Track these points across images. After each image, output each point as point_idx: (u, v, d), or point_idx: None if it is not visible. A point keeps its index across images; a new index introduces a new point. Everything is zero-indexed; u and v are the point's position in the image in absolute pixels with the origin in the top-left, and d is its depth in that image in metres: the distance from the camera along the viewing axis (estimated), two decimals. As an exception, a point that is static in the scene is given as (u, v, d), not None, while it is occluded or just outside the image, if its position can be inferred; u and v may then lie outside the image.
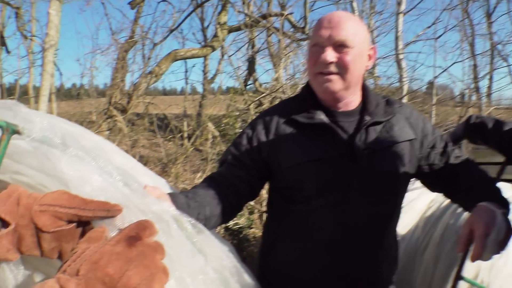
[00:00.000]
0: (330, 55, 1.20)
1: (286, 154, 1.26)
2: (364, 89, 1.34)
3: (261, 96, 5.49)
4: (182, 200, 1.08)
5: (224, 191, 1.21)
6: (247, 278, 1.00)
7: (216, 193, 1.19)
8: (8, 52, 5.34)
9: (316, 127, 1.26)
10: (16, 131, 0.81)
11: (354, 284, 1.28)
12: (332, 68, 1.21)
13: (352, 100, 1.30)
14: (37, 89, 5.36)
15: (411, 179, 1.37)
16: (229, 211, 1.22)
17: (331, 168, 1.24)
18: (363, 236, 1.25)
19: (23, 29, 6.62)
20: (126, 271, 0.52)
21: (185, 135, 7.58)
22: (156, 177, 1.13)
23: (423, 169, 1.34)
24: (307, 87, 1.34)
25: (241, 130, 1.39)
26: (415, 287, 2.05)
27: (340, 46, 1.20)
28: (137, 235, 0.57)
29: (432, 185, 1.40)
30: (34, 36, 6.68)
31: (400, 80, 7.90)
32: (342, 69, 1.21)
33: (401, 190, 1.34)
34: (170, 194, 1.05)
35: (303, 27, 6.58)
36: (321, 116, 1.26)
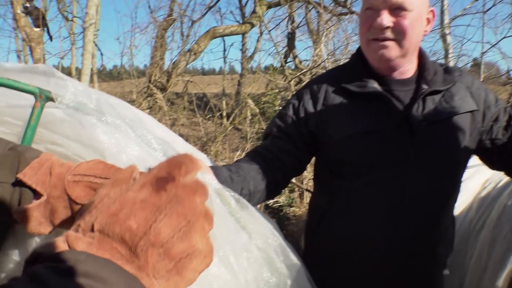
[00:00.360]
0: (386, 19, 1.10)
1: (336, 125, 1.18)
2: (421, 55, 1.23)
3: (301, 72, 5.37)
4: (225, 173, 1.02)
5: (269, 165, 1.16)
6: (294, 259, 0.94)
7: (260, 167, 1.13)
8: (50, 37, 5.41)
9: (369, 97, 1.17)
10: (50, 98, 0.77)
11: (407, 266, 1.20)
12: (388, 34, 1.12)
13: (408, 69, 1.20)
14: (79, 71, 5.44)
15: (471, 155, 1.26)
16: (274, 186, 1.17)
17: (386, 141, 1.15)
18: (419, 216, 1.16)
19: (64, 11, 6.71)
20: (153, 223, 0.40)
21: (224, 113, 7.57)
22: (197, 152, 1.07)
23: (485, 144, 1.24)
24: (358, 55, 1.25)
25: (286, 102, 1.31)
26: (468, 270, 1.94)
27: (397, 9, 1.10)
28: (169, 176, 0.43)
29: (492, 162, 1.29)
30: (75, 17, 6.76)
31: (446, 56, 7.52)
32: (399, 34, 1.11)
33: (461, 166, 1.24)
34: (212, 167, 1.00)
35: (345, 1, 6.35)
36: (374, 85, 1.17)
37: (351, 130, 1.16)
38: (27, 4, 4.59)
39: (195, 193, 0.44)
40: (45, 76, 0.79)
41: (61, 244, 0.38)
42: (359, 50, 1.25)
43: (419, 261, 1.21)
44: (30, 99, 0.76)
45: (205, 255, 0.43)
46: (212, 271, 0.71)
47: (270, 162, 1.17)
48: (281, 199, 4.19)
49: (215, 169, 1.00)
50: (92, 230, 0.40)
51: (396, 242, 1.17)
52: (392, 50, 1.13)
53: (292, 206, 4.28)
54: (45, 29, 4.94)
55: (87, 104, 0.76)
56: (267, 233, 0.92)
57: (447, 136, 1.17)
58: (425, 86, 1.18)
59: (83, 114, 0.75)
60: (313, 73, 5.16)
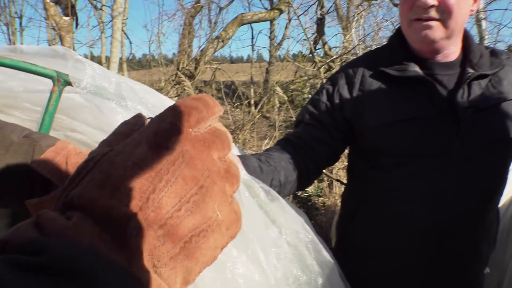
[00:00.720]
0: None
1: (374, 112, 1.11)
2: (466, 37, 1.15)
3: (331, 59, 5.25)
4: (255, 163, 0.97)
5: (300, 154, 1.10)
6: (326, 255, 0.88)
7: (291, 157, 1.07)
8: (76, 25, 5.45)
9: (409, 81, 1.09)
10: (68, 82, 0.72)
11: (447, 263, 1.12)
12: (433, 13, 1.03)
13: (453, 51, 1.12)
14: (109, 59, 5.48)
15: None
16: (306, 176, 1.11)
17: (427, 129, 1.07)
18: (463, 210, 1.08)
19: (93, 0, 6.77)
20: (150, 194, 0.29)
21: (252, 101, 7.52)
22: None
23: None
24: (397, 36, 1.17)
25: (319, 88, 1.24)
26: (507, 268, 1.84)
27: None
28: (173, 127, 0.31)
29: None
30: (104, 6, 6.82)
31: (481, 42, 7.24)
32: (445, 14, 1.03)
33: (509, 156, 1.15)
34: (241, 157, 0.94)
35: (377, -15, 6.17)
36: (415, 68, 1.09)
37: (389, 117, 1.09)
38: (56, -6, 4.63)
39: (211, 146, 0.33)
40: (63, 58, 0.75)
41: (30, 229, 0.28)
42: (398, 31, 1.17)
43: (460, 258, 1.13)
44: (49, 83, 0.72)
45: (228, 226, 0.33)
46: (241, 271, 0.66)
47: (302, 151, 1.11)
48: (310, 189, 4.13)
49: (243, 159, 0.95)
50: (72, 207, 0.29)
51: (436, 237, 1.10)
52: (436, 30, 1.04)
53: (320, 196, 4.21)
54: (74, 18, 4.98)
55: (106, 88, 0.71)
56: (298, 228, 0.87)
57: (495, 124, 1.08)
58: (470, 70, 1.10)
59: (102, 99, 0.70)
60: (343, 60, 5.06)
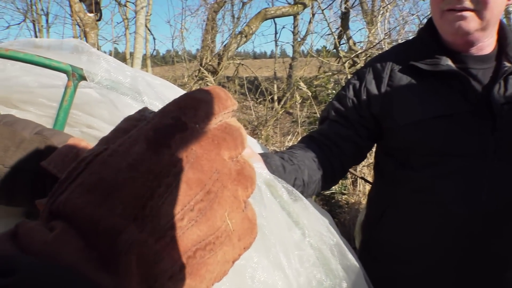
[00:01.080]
0: None
1: (403, 108, 1.06)
2: (501, 28, 1.09)
3: (356, 53, 5.17)
4: (277, 162, 0.93)
5: (325, 152, 1.06)
6: (351, 259, 0.84)
7: (316, 155, 1.03)
8: (100, 17, 5.49)
9: (442, 76, 1.04)
10: (83, 77, 0.70)
11: (479, 268, 1.06)
12: (467, 3, 0.98)
13: (488, 44, 1.06)
14: (133, 55, 5.53)
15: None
16: (331, 176, 1.07)
17: (460, 127, 1.02)
18: (497, 213, 1.02)
19: (117, -4, 6.83)
20: (148, 201, 0.24)
21: (275, 97, 7.49)
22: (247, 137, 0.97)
23: None
24: (428, 28, 1.12)
25: (346, 83, 1.19)
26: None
27: None
28: (177, 122, 0.27)
29: None
30: (128, 1, 6.87)
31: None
32: (480, 4, 0.97)
33: None
34: (263, 155, 0.91)
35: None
36: (448, 62, 1.04)
37: (420, 114, 1.04)
38: (81, -10, 4.68)
39: (221, 144, 0.28)
40: (77, 52, 0.72)
41: (6, 242, 0.23)
42: (429, 23, 1.12)
43: (493, 262, 1.07)
44: (65, 78, 0.70)
45: (240, 236, 0.29)
46: (262, 278, 0.62)
47: (327, 149, 1.07)
48: (333, 186, 4.07)
49: (266, 157, 0.91)
50: (58, 216, 0.25)
51: (468, 240, 1.04)
52: (471, 21, 0.99)
53: (344, 194, 4.14)
54: (99, 14, 5.03)
55: (121, 82, 0.68)
56: (322, 230, 0.82)
57: None
58: (507, 64, 1.04)
59: (118, 94, 0.67)
60: (368, 55, 4.97)
